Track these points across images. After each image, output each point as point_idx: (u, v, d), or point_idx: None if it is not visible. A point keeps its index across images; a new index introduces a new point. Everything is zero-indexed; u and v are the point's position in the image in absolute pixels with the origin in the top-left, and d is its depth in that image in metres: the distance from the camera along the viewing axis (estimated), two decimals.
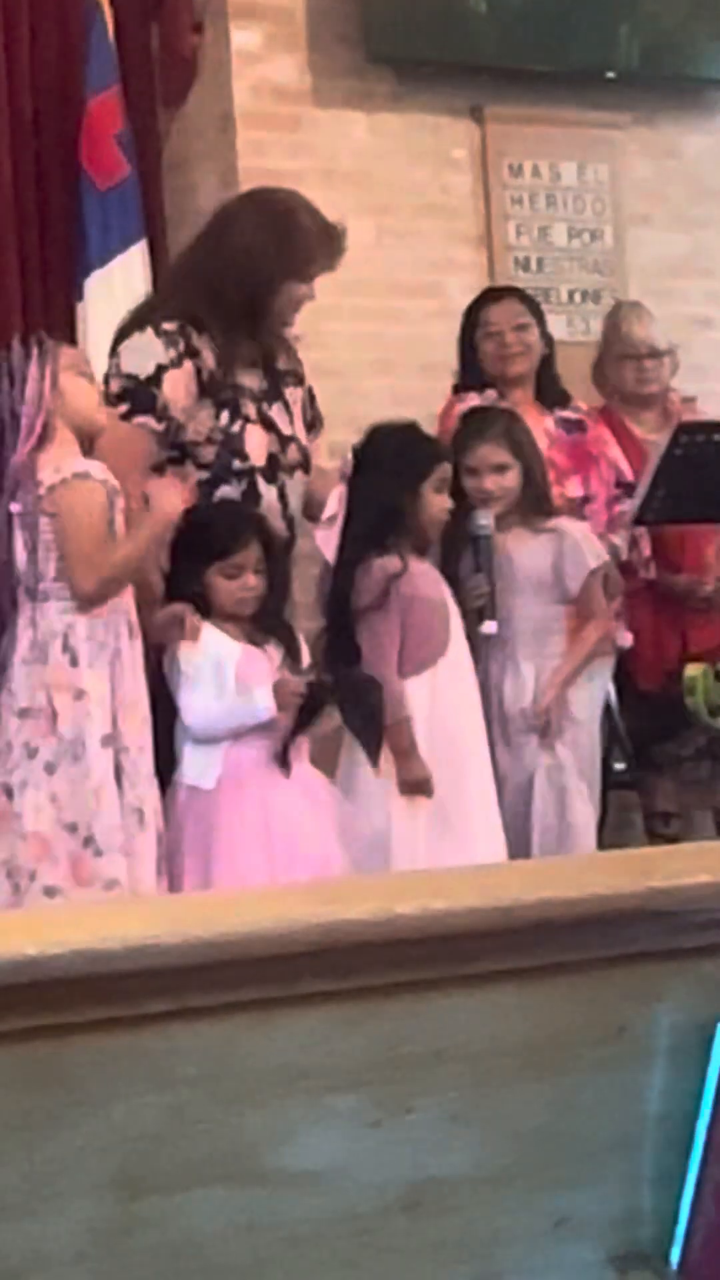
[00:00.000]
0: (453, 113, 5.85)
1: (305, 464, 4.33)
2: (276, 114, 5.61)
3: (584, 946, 1.75)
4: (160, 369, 4.10)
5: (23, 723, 3.80)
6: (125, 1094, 1.60)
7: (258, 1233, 1.67)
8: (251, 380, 4.24)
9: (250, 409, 4.20)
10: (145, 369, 4.10)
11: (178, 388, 4.10)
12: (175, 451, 4.14)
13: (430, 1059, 1.72)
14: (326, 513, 4.31)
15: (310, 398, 4.44)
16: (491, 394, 4.91)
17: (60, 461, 3.86)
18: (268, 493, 4.21)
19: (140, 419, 4.09)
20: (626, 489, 4.95)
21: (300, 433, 4.34)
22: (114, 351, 4.21)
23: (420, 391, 5.28)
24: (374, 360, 5.59)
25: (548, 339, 5.09)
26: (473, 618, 4.42)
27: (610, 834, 4.81)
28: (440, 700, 4.30)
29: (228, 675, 3.99)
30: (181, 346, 4.12)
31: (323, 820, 4.05)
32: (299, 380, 4.40)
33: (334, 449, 4.56)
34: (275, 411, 4.27)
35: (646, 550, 5.10)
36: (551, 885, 1.74)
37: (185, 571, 4.04)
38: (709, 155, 6.21)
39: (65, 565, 3.82)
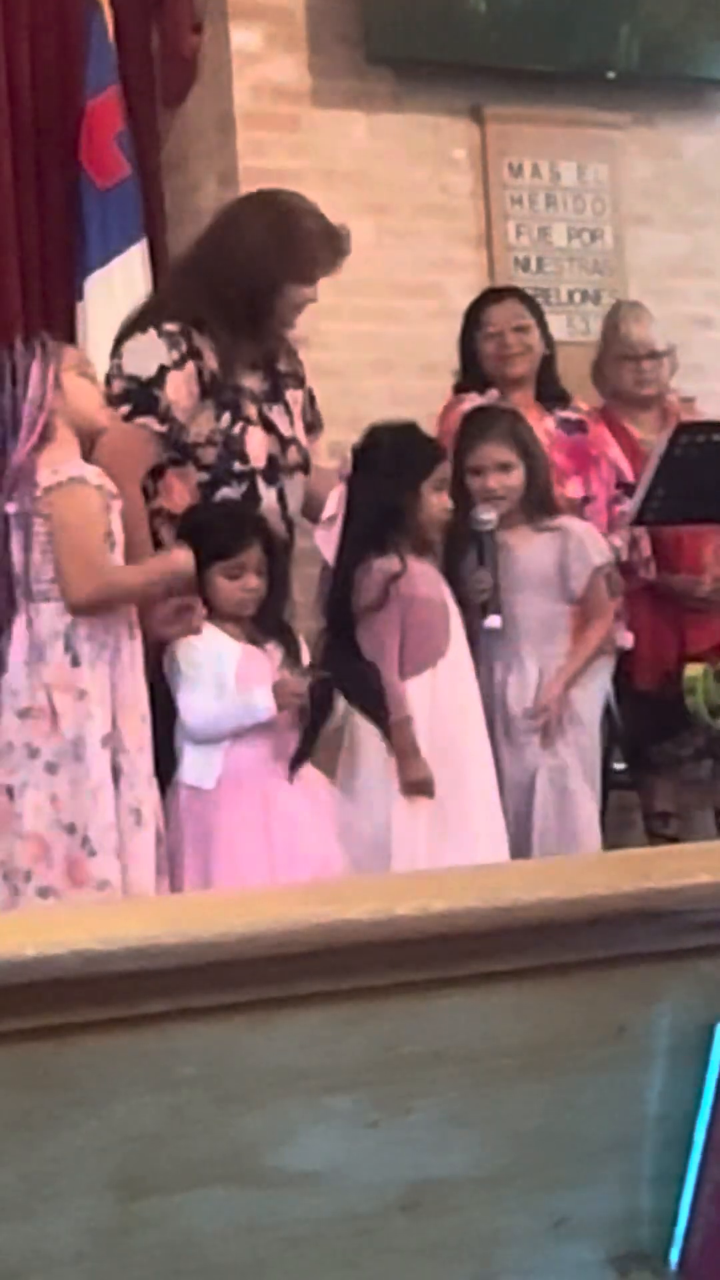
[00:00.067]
0: (452, 113, 5.84)
1: (305, 466, 4.34)
2: (276, 114, 5.61)
3: (584, 947, 1.75)
4: (163, 370, 4.09)
5: (24, 723, 3.80)
6: (125, 1094, 1.60)
7: (257, 1233, 1.67)
8: (252, 382, 4.24)
9: (251, 411, 4.20)
10: (148, 370, 4.10)
11: (180, 389, 4.10)
12: (176, 453, 4.14)
13: (430, 1059, 1.72)
14: (326, 513, 4.31)
15: (310, 399, 4.44)
16: (494, 393, 4.90)
17: (58, 463, 3.85)
18: (267, 494, 4.21)
19: (142, 420, 4.09)
20: (627, 489, 4.95)
21: (300, 434, 4.34)
22: (116, 352, 4.20)
23: (420, 391, 5.28)
24: (374, 360, 5.59)
25: (548, 340, 5.09)
26: (476, 612, 4.42)
27: (610, 834, 4.81)
28: (441, 700, 4.30)
29: (228, 675, 4.00)
30: (184, 348, 4.11)
31: (323, 820, 4.05)
32: (299, 382, 4.41)
33: (334, 449, 4.55)
34: (276, 413, 4.27)
35: (646, 550, 5.10)
36: (551, 885, 1.74)
37: None
38: (709, 155, 6.21)
39: (58, 574, 3.81)
